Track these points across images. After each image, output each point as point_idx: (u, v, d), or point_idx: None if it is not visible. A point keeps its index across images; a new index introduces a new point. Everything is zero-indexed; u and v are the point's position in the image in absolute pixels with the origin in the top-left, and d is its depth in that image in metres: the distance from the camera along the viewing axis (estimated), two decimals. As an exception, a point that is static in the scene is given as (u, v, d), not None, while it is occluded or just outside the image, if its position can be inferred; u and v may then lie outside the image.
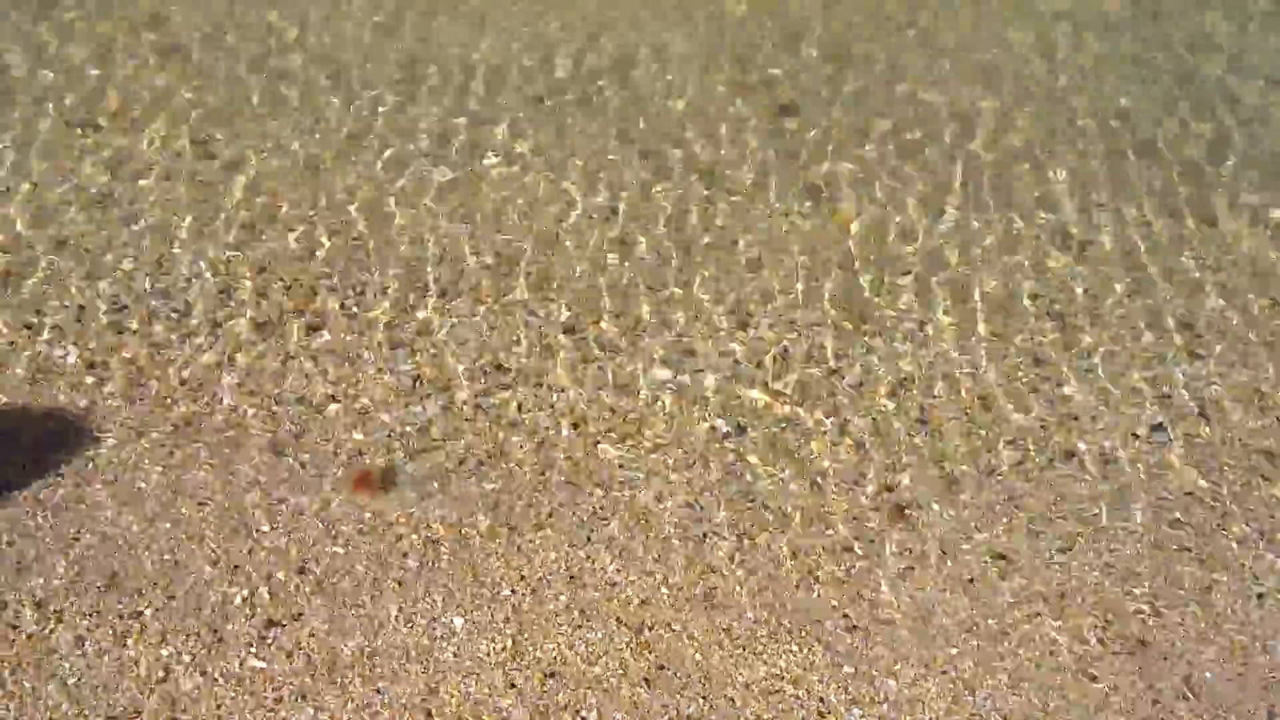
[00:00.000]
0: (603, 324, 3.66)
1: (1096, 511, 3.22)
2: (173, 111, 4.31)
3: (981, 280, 3.88)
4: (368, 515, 3.09)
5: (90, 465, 3.15)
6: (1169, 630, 2.96)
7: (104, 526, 3.01)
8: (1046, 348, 3.67)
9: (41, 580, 2.89)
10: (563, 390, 3.46)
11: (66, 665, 2.73)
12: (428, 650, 2.82)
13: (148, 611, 2.84)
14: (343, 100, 4.43)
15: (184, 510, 3.07)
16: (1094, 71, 4.83)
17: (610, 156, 4.27)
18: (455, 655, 2.81)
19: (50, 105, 4.29)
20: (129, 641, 2.79)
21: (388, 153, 4.23)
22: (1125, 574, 3.07)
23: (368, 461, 3.22)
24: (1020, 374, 3.59)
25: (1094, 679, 2.85)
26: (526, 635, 2.86)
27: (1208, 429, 3.45)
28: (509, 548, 3.05)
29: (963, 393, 3.52)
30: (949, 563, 3.08)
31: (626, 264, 3.87)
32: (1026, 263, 3.95)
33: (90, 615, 2.83)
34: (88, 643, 2.78)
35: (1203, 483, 3.31)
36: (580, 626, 2.89)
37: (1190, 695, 2.81)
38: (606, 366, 3.54)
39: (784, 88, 4.63)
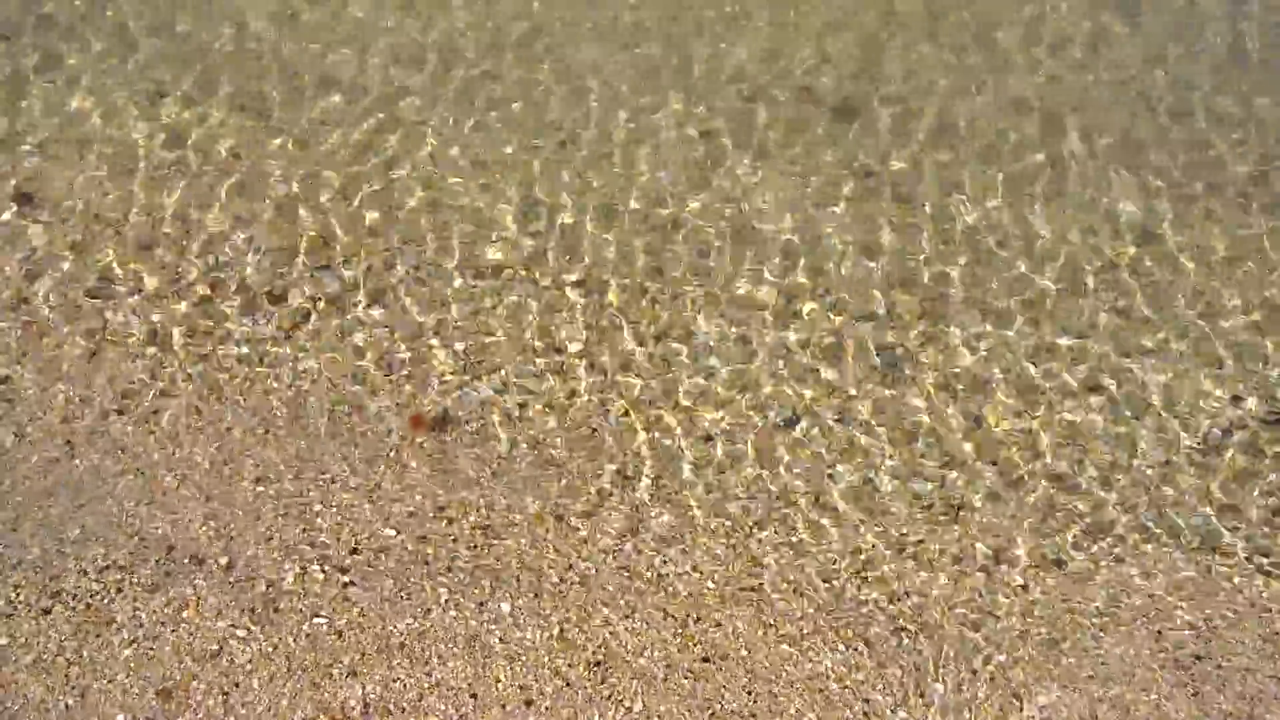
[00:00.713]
0: (657, 310, 3.64)
1: (1154, 520, 3.16)
2: (240, 87, 4.32)
3: (1043, 277, 3.79)
4: (418, 497, 3.11)
5: (150, 438, 3.20)
6: (1224, 644, 2.90)
7: (162, 500, 3.06)
8: (1110, 347, 3.58)
9: (103, 551, 2.94)
10: (616, 377, 3.45)
11: (124, 635, 2.79)
12: (475, 635, 2.84)
13: (203, 585, 2.89)
14: (402, 81, 4.42)
15: (240, 486, 3.11)
16: (1166, 62, 4.67)
17: (668, 139, 4.22)
18: (502, 641, 2.83)
19: (121, 79, 4.32)
20: (184, 614, 2.84)
21: (447, 132, 4.21)
22: (1181, 585, 3.02)
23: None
24: (1081, 373, 3.51)
25: (1145, 690, 2.81)
26: (573, 623, 2.87)
27: (1273, 437, 3.37)
28: (558, 536, 3.06)
29: (1021, 391, 3.45)
30: (1002, 566, 3.04)
31: (683, 249, 3.83)
32: (1093, 260, 3.85)
33: (148, 587, 2.88)
34: (144, 614, 2.83)
35: (1265, 493, 3.23)
36: (627, 617, 2.90)
37: (1241, 711, 2.76)
38: (660, 354, 3.52)
39: (839, 88, 4.52)
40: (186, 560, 2.94)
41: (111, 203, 3.85)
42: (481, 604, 2.90)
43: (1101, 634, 2.91)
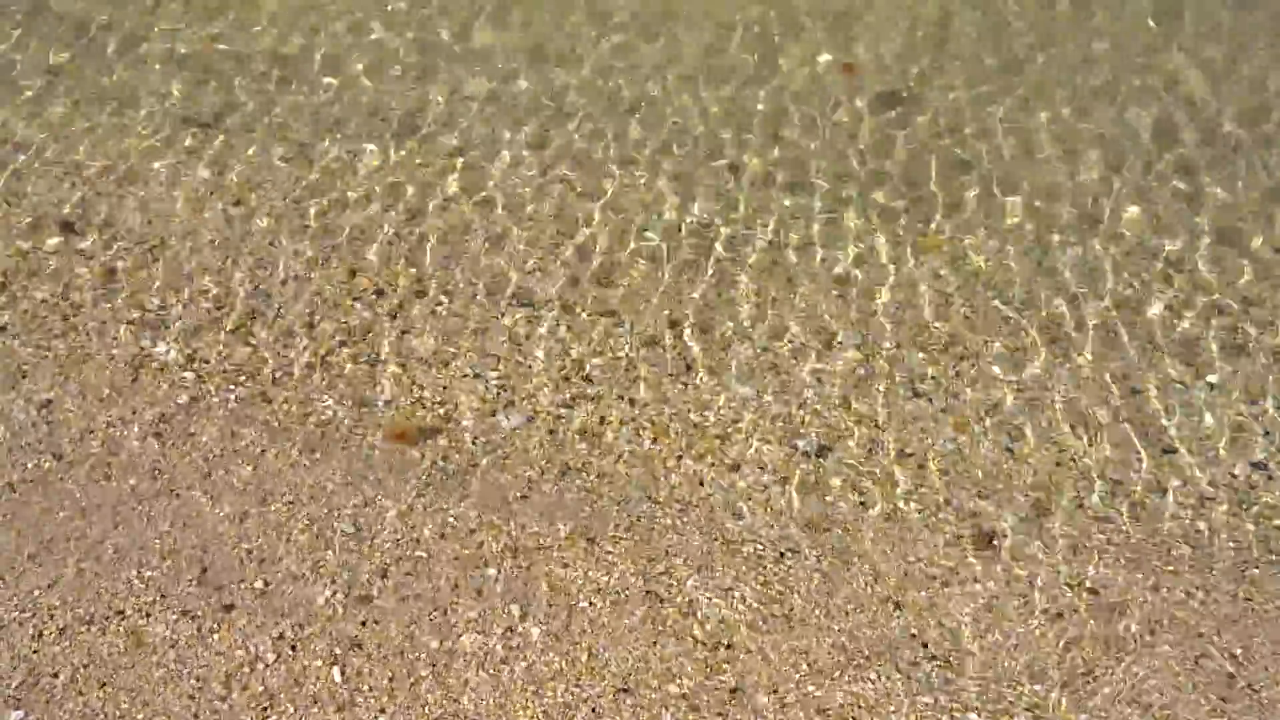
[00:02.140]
0: (686, 338, 3.66)
1: (1190, 548, 3.12)
2: (275, 116, 4.41)
3: (1079, 305, 3.78)
4: (450, 519, 3.12)
5: (185, 460, 3.24)
6: (1260, 673, 2.85)
7: (196, 521, 3.09)
8: (1144, 377, 3.56)
9: (136, 572, 2.97)
10: (645, 404, 3.46)
11: (154, 658, 2.81)
12: (503, 660, 2.83)
13: (235, 608, 2.91)
14: (434, 108, 4.49)
15: (273, 508, 3.13)
16: (1216, 78, 4.67)
17: (695, 163, 4.26)
18: (529, 667, 2.82)
19: (162, 104, 4.42)
20: (215, 637, 2.85)
21: (478, 160, 4.28)
22: (1217, 612, 2.98)
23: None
24: (1115, 403, 3.49)
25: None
26: (602, 649, 2.86)
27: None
28: (587, 559, 3.06)
29: (1054, 420, 3.44)
30: (1036, 594, 3.01)
31: (711, 276, 3.86)
32: (1126, 289, 3.84)
33: (181, 610, 2.90)
34: (177, 636, 2.85)
35: None
36: (655, 642, 2.88)
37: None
38: (690, 381, 3.53)
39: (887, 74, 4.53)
40: (219, 581, 2.96)
41: (152, 231, 3.92)
42: (509, 628, 2.90)
43: (1138, 660, 2.87)
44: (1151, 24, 4.89)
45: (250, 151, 4.26)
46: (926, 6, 4.94)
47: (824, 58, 4.63)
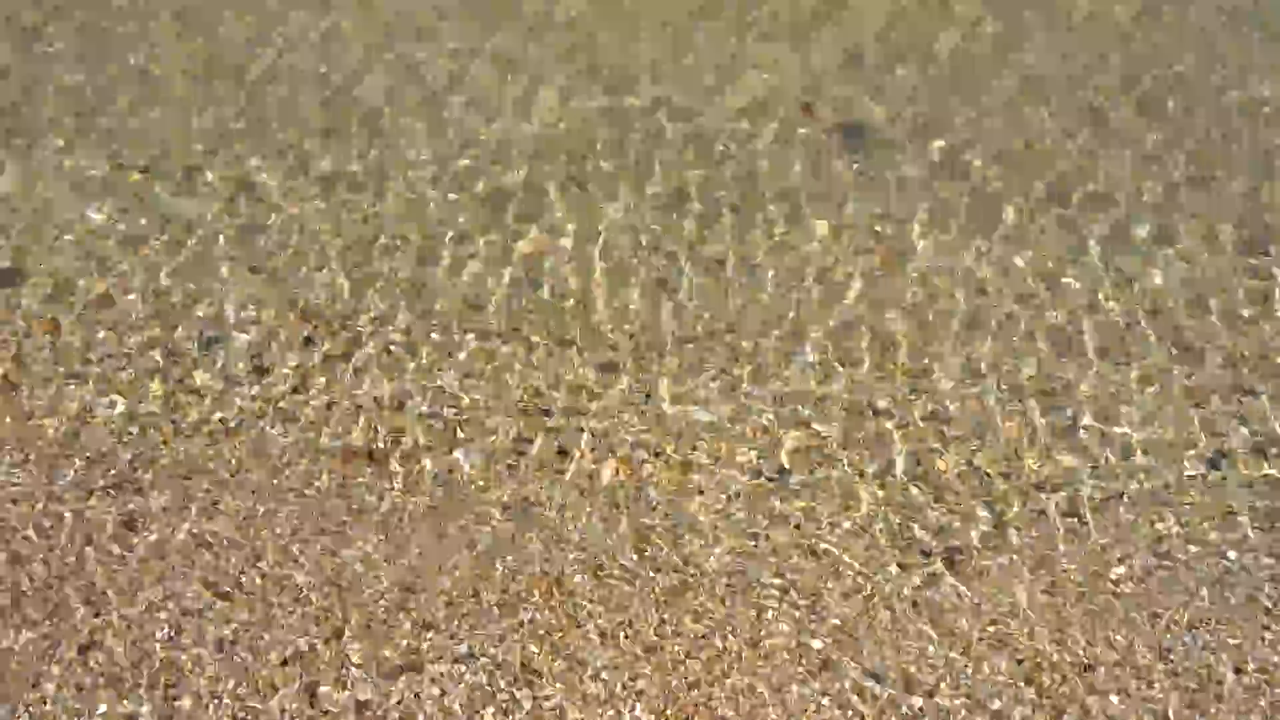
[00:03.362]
0: (644, 363, 3.64)
1: (1147, 554, 3.15)
2: (221, 153, 4.35)
3: (1031, 318, 3.82)
4: (410, 566, 3.08)
5: (133, 516, 3.17)
6: (1224, 686, 2.88)
7: (149, 580, 3.02)
8: (1096, 386, 3.60)
9: (85, 651, 2.90)
10: (604, 433, 3.44)
11: (114, 723, 2.75)
12: (478, 711, 2.79)
13: (193, 670, 2.84)
14: (382, 142, 4.45)
15: (228, 561, 3.07)
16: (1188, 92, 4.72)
17: (653, 183, 4.25)
18: (505, 713, 2.78)
19: (104, 154, 4.34)
20: (180, 703, 2.79)
21: (426, 190, 4.24)
22: (1177, 618, 3.00)
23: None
24: (1068, 413, 3.52)
25: (1152, 726, 2.79)
26: (568, 699, 2.82)
27: (1265, 465, 3.37)
28: (550, 599, 3.02)
29: (1011, 434, 3.46)
30: (1001, 612, 3.01)
31: (668, 299, 3.84)
32: (1080, 300, 3.88)
33: (135, 682, 2.84)
34: (133, 705, 2.79)
35: (1257, 524, 3.22)
36: (627, 686, 2.85)
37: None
38: (648, 408, 3.51)
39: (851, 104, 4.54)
40: (181, 639, 2.90)
41: (95, 278, 3.85)
42: (488, 673, 2.86)
43: (1103, 676, 2.89)
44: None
45: (195, 190, 4.19)
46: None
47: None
